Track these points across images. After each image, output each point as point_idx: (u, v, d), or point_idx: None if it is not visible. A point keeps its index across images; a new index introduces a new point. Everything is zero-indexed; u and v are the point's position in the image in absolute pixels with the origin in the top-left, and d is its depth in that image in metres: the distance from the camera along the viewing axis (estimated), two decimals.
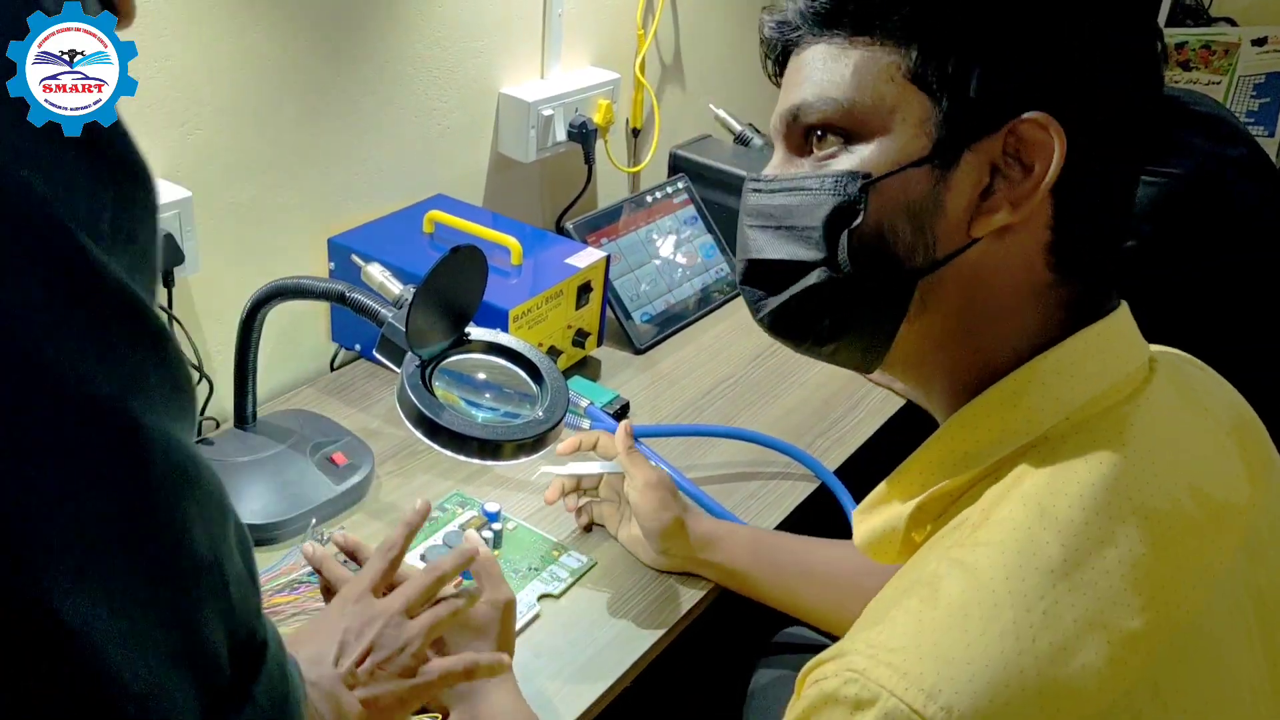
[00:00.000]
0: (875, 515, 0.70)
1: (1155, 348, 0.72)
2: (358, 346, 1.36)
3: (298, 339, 1.35)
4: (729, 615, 1.11)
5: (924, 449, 0.66)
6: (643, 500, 1.05)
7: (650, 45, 1.74)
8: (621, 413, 1.32)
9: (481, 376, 1.00)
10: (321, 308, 1.36)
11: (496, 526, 1.10)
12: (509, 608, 0.88)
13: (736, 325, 1.52)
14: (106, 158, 0.42)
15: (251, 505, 1.07)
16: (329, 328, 1.37)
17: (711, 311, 1.57)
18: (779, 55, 0.69)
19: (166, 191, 1.11)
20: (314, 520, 1.07)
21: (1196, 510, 0.59)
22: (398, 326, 0.95)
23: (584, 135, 1.58)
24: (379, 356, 0.99)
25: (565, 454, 1.11)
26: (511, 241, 1.32)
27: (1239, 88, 2.35)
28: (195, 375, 1.19)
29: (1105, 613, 0.53)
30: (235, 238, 1.23)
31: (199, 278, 1.19)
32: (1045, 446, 0.60)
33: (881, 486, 0.70)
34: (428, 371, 0.95)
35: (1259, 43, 2.37)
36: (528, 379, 1.00)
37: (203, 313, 1.22)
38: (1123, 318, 0.66)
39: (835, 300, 0.65)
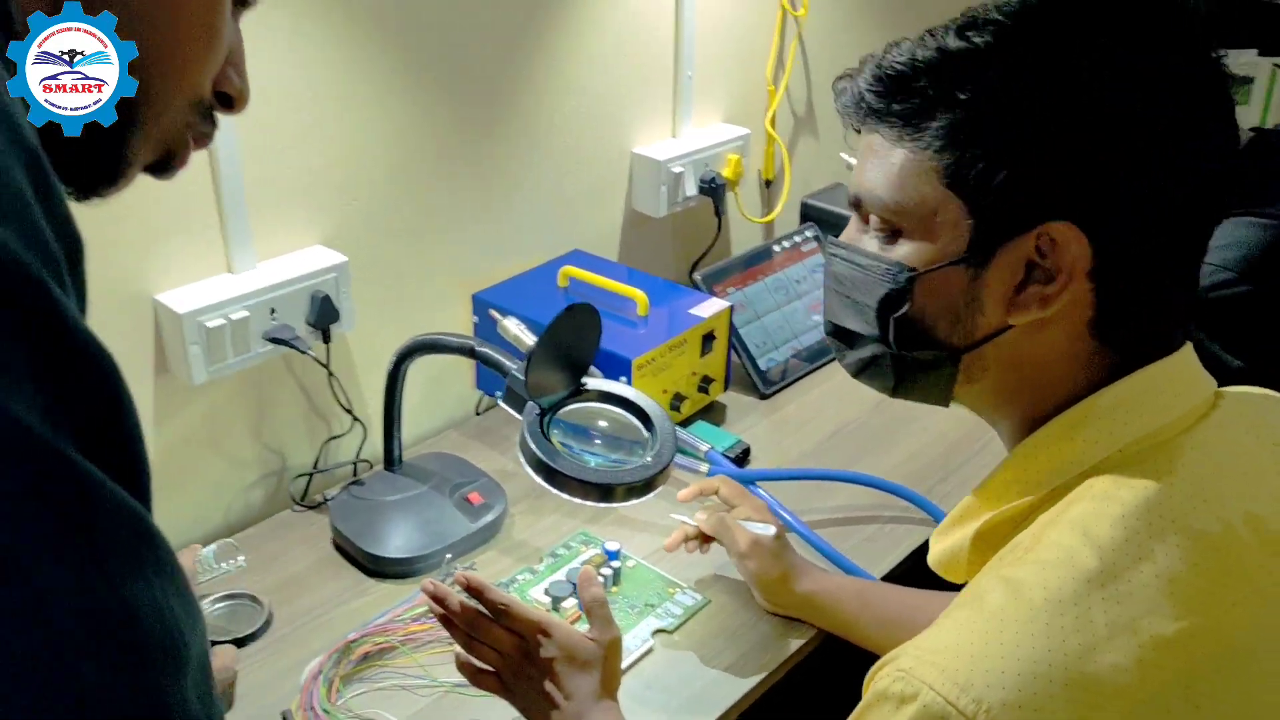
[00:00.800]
0: (947, 538, 0.75)
1: (1242, 389, 0.74)
2: (498, 394, 1.46)
3: (445, 386, 1.46)
4: (836, 658, 1.15)
5: (989, 478, 0.71)
6: (743, 567, 1.11)
7: (781, 99, 1.80)
8: (742, 457, 1.37)
9: (598, 424, 1.08)
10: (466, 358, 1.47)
11: (616, 564, 1.17)
12: (614, 646, 0.94)
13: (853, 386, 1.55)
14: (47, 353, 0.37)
15: (395, 541, 1.18)
16: (474, 376, 1.48)
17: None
18: (853, 117, 0.75)
19: (325, 258, 1.24)
20: (448, 555, 1.16)
21: (1250, 536, 0.62)
22: (519, 378, 1.04)
23: (714, 189, 1.65)
24: (505, 405, 1.08)
25: (686, 500, 1.17)
26: (639, 294, 1.40)
27: None
28: (348, 419, 1.32)
29: (1138, 619, 0.57)
30: (387, 296, 1.36)
31: (355, 333, 1.31)
32: (1097, 476, 0.64)
33: (954, 513, 0.74)
34: (546, 419, 1.04)
35: None
36: (639, 426, 1.07)
37: (359, 365, 1.35)
38: (1185, 357, 0.69)
39: (893, 368, 0.72)
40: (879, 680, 0.61)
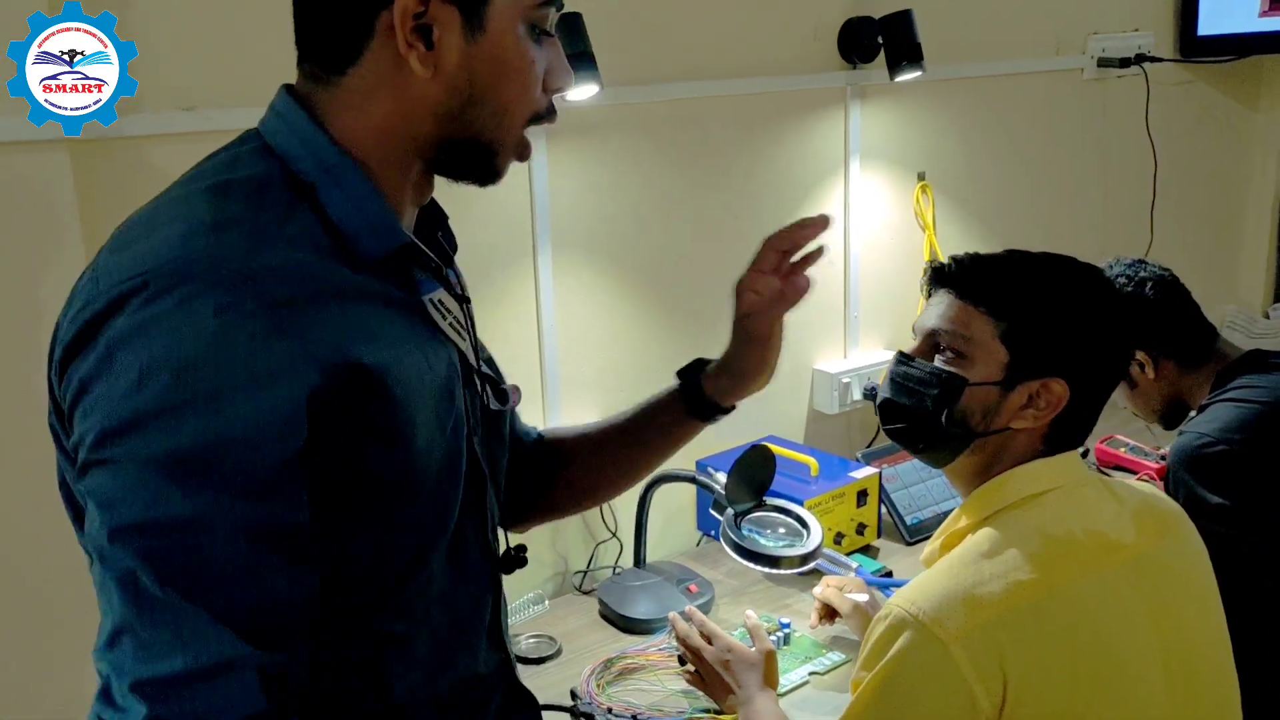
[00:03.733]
0: (929, 546, 1.27)
1: (1126, 481, 1.27)
2: (713, 532, 2.07)
3: (676, 525, 2.08)
4: None
5: (953, 515, 1.25)
6: (852, 627, 1.64)
7: None
8: (887, 574, 1.90)
9: (774, 523, 1.67)
10: (691, 505, 2.09)
11: (786, 631, 1.72)
12: (770, 657, 1.48)
13: None
14: None
15: (639, 609, 1.78)
16: (696, 518, 2.10)
17: None
18: (929, 290, 1.30)
19: None
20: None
21: (1087, 542, 1.14)
22: (723, 492, 1.66)
23: (874, 397, 2.25)
24: (712, 513, 1.69)
25: (830, 585, 1.72)
26: (812, 460, 2.00)
27: None
28: (606, 532, 1.95)
29: (1008, 572, 1.10)
30: None
31: None
32: (1006, 511, 1.18)
33: (935, 533, 1.27)
34: (739, 518, 1.64)
35: None
36: (800, 527, 1.66)
37: (618, 500, 1.99)
38: (1074, 457, 1.23)
39: (929, 435, 1.26)
40: (875, 618, 1.14)
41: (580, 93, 1.71)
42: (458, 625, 0.97)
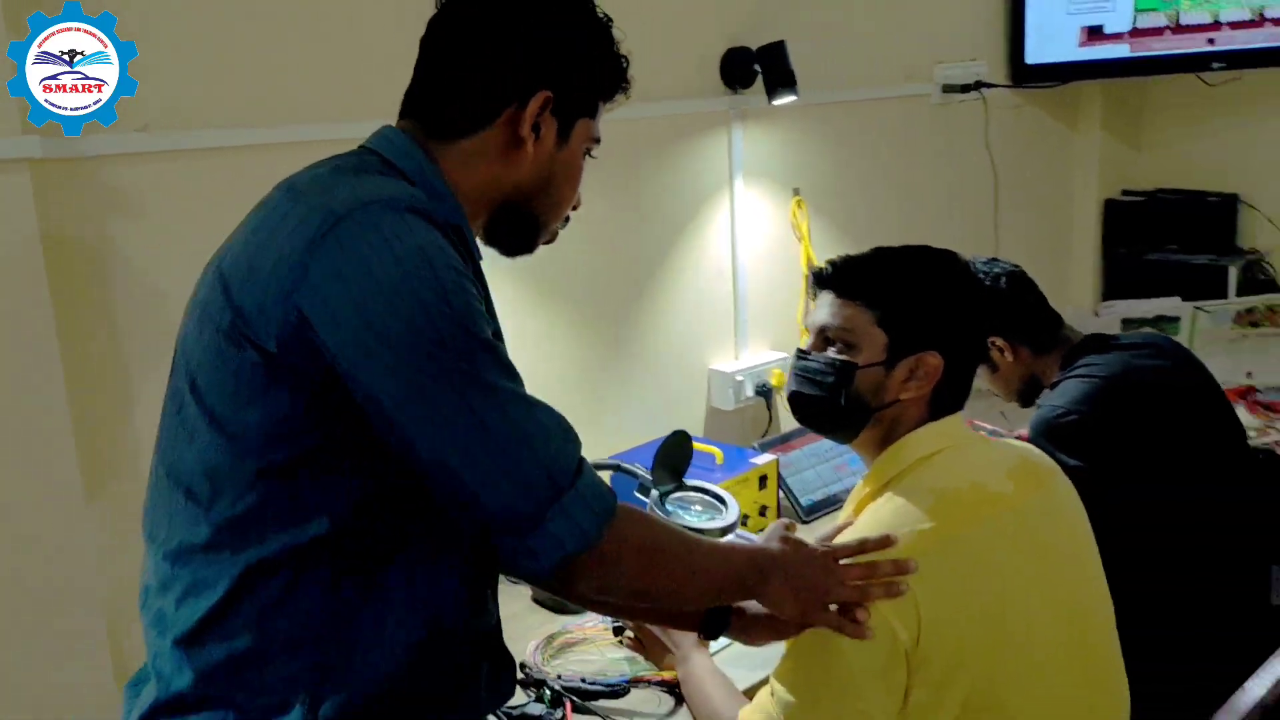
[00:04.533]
0: (843, 512, 1.45)
1: (1007, 440, 1.49)
2: None
3: None
4: None
5: (861, 481, 1.44)
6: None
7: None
8: None
9: (694, 500, 1.84)
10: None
11: None
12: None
13: None
14: None
15: None
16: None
17: None
18: (814, 289, 1.50)
19: None
20: None
21: (971, 494, 1.33)
22: (648, 476, 1.82)
23: (765, 393, 2.47)
24: (638, 495, 1.85)
25: None
26: (717, 451, 2.19)
27: None
28: None
29: (911, 524, 1.27)
30: None
31: None
32: (902, 475, 1.37)
33: (849, 498, 1.46)
34: (663, 498, 1.80)
35: None
36: (718, 503, 1.83)
37: None
38: (957, 418, 1.43)
39: (833, 417, 1.46)
40: None
41: None
42: (482, 564, 1.11)
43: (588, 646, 1.79)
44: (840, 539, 1.31)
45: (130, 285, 1.60)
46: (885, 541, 1.24)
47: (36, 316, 1.46)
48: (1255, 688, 1.45)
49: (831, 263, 1.46)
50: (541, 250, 1.21)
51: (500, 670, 1.22)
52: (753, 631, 1.37)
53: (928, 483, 1.34)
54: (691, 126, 2.36)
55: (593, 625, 1.82)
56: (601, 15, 1.17)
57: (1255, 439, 2.52)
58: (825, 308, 1.45)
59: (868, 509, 1.36)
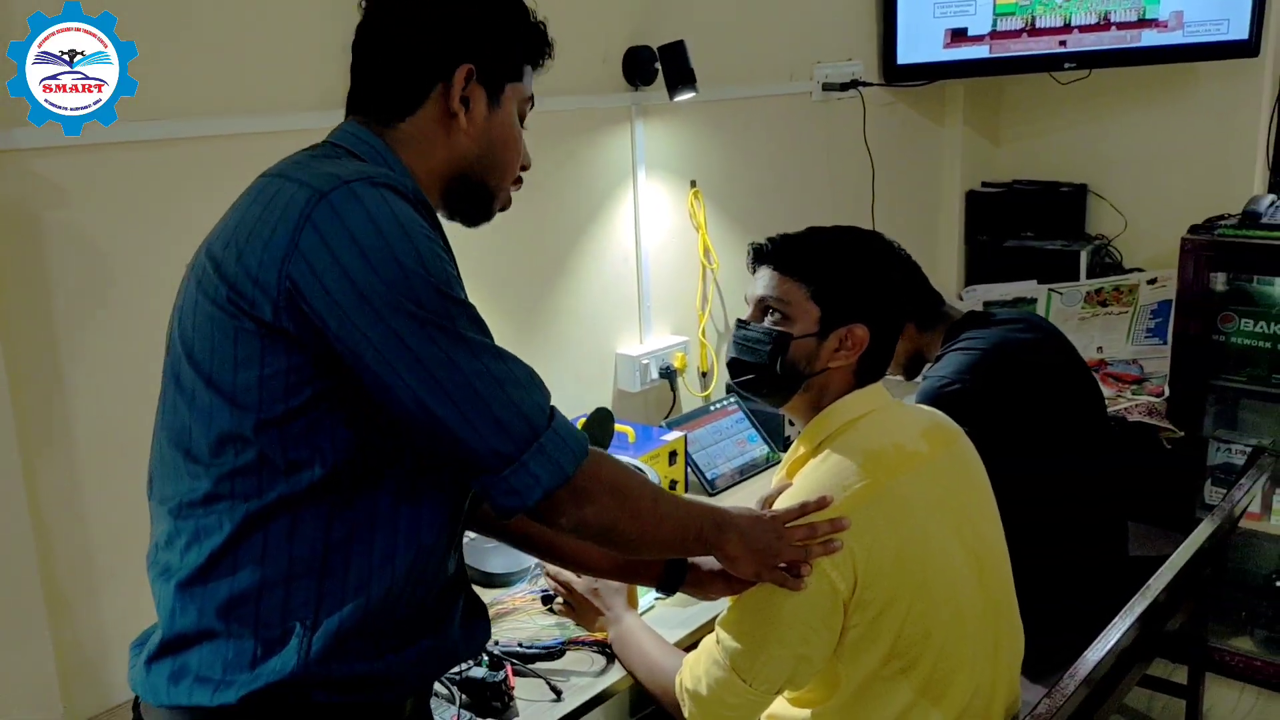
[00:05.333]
0: (777, 474, 1.60)
1: (914, 405, 1.65)
2: None
3: None
4: None
5: (795, 443, 1.58)
6: None
7: (707, 320, 2.78)
8: None
9: None
10: None
11: None
12: (632, 590, 1.77)
13: (765, 484, 2.44)
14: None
15: (497, 565, 2.00)
16: None
17: (755, 475, 2.50)
18: (753, 264, 1.62)
19: None
20: (534, 565, 2.00)
21: (893, 452, 1.49)
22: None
23: (669, 375, 2.60)
24: None
25: None
26: (630, 430, 2.30)
27: (1139, 314, 3.27)
28: None
29: (844, 482, 1.41)
30: None
31: None
32: (832, 438, 1.51)
33: (784, 459, 1.60)
34: None
35: (1152, 282, 3.31)
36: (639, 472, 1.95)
37: None
38: (878, 386, 1.58)
39: (769, 383, 1.58)
40: None
41: None
42: (456, 505, 1.20)
43: (519, 616, 1.89)
44: (780, 501, 1.44)
45: (65, 268, 1.62)
46: (823, 503, 1.38)
47: None
48: (1092, 655, 1.62)
49: (771, 239, 1.58)
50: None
51: (473, 616, 1.31)
52: (706, 586, 1.48)
53: (856, 444, 1.48)
54: (596, 121, 2.47)
55: (521, 596, 1.92)
56: None
57: (1109, 409, 2.77)
58: (763, 281, 1.56)
59: (802, 470, 1.50)
